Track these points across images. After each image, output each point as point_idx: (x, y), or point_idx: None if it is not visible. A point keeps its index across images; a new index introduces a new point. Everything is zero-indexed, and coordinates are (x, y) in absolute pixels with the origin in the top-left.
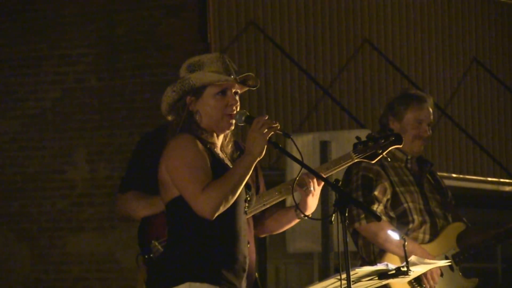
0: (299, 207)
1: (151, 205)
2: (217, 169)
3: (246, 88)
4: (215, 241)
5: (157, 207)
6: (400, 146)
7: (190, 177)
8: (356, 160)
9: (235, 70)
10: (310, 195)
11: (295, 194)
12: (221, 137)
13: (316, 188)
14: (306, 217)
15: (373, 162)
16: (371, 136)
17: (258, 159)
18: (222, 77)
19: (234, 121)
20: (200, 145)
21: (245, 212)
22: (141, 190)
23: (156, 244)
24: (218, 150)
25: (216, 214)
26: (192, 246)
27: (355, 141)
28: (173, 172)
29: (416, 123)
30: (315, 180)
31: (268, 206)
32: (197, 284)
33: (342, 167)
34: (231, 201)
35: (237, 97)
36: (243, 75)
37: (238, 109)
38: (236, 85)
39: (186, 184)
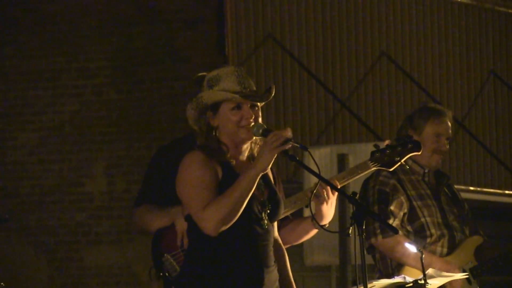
0: (315, 217)
1: (163, 217)
2: (230, 184)
3: (266, 100)
4: (227, 256)
5: (169, 219)
6: (419, 153)
7: (193, 195)
8: (373, 169)
9: (249, 85)
10: (325, 203)
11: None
12: (244, 151)
13: (330, 197)
14: (322, 227)
15: (391, 169)
16: (389, 145)
17: (262, 174)
18: (228, 95)
19: (251, 132)
20: (210, 161)
21: (263, 226)
22: (155, 203)
23: (169, 257)
24: (237, 165)
25: (219, 230)
26: (206, 261)
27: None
28: (178, 188)
29: (435, 137)
30: (329, 189)
31: (282, 216)
32: None
33: (359, 176)
34: (235, 216)
35: (256, 109)
36: (249, 90)
37: (258, 121)
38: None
39: (189, 201)
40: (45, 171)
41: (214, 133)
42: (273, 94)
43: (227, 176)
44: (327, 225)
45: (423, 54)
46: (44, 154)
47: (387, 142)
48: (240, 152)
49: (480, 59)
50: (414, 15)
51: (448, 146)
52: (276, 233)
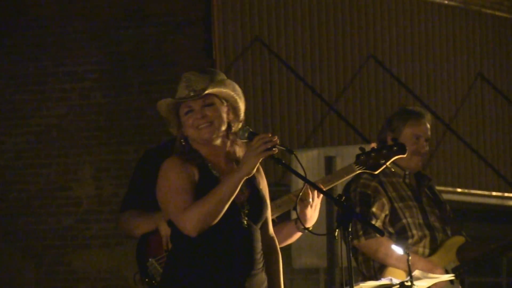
0: (298, 221)
1: (147, 222)
2: (209, 187)
3: (224, 94)
4: (207, 261)
5: (153, 224)
6: (404, 156)
7: (172, 199)
8: (358, 172)
9: (197, 86)
10: (309, 206)
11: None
12: (219, 151)
13: (315, 200)
14: (306, 230)
15: (376, 172)
16: (374, 148)
17: (246, 177)
18: (162, 103)
19: (209, 131)
20: (186, 167)
21: (243, 226)
22: (140, 208)
23: (154, 262)
24: (215, 166)
25: (199, 231)
26: (186, 266)
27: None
28: (158, 195)
29: (414, 139)
30: (315, 192)
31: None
32: None
33: (344, 179)
34: (216, 218)
35: (212, 107)
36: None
37: (215, 120)
38: (197, 99)
39: (168, 206)
40: (33, 175)
41: (184, 141)
42: (208, 91)
43: (204, 179)
44: (311, 228)
45: (411, 57)
46: (32, 158)
47: (372, 145)
48: (215, 153)
49: (467, 62)
50: (402, 18)
51: (427, 148)
52: (272, 233)
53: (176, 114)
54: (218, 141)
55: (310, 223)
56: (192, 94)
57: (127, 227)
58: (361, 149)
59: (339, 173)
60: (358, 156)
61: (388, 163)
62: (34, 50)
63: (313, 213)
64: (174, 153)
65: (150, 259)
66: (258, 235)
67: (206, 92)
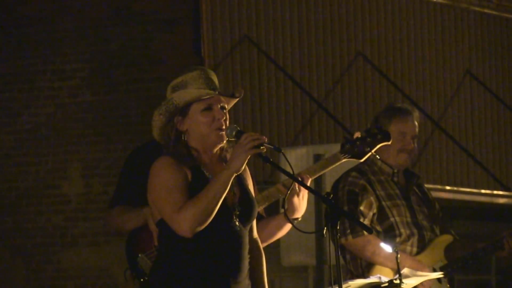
0: (287, 211)
1: (136, 218)
2: (201, 188)
3: (234, 102)
4: (200, 260)
5: (142, 219)
6: (389, 143)
7: (166, 198)
8: (343, 160)
9: (216, 86)
10: (296, 196)
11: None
12: (214, 154)
13: (302, 190)
14: (294, 220)
15: (362, 160)
16: (359, 136)
17: (235, 174)
18: (203, 91)
19: (224, 134)
20: (179, 166)
21: (235, 229)
22: (129, 204)
23: (144, 257)
24: (208, 168)
25: (195, 231)
26: (174, 269)
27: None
28: (150, 195)
29: (400, 136)
30: (301, 194)
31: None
32: None
33: (329, 168)
34: (210, 217)
35: (225, 111)
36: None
37: (227, 123)
38: (222, 99)
39: (162, 205)
40: (22, 173)
41: (183, 138)
42: (242, 94)
43: (197, 179)
44: (300, 219)
45: (399, 54)
46: (20, 156)
47: (357, 134)
48: (210, 155)
49: (456, 59)
50: (390, 15)
51: (415, 145)
52: (255, 235)
53: (175, 112)
54: (218, 147)
55: (298, 214)
56: (212, 91)
57: (116, 223)
58: (346, 138)
59: (324, 162)
60: (343, 145)
61: (373, 151)
62: (22, 49)
63: (300, 204)
64: (166, 153)
65: (140, 255)
66: (247, 240)
67: (241, 95)
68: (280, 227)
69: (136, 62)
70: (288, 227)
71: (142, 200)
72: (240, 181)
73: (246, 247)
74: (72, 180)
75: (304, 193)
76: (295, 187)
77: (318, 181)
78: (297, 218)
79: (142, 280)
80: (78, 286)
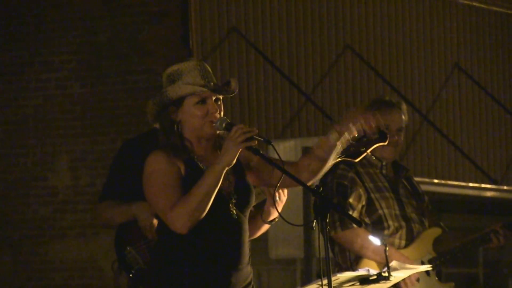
0: (264, 213)
1: (124, 213)
2: (196, 180)
3: (233, 93)
4: (194, 256)
5: (131, 214)
6: (385, 143)
7: (159, 195)
8: (338, 159)
9: (211, 79)
10: (276, 204)
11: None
12: (208, 145)
13: (282, 199)
14: (272, 222)
15: (357, 160)
16: (355, 136)
17: (227, 168)
18: (196, 88)
19: (215, 127)
20: (173, 161)
21: (233, 217)
22: (119, 198)
23: (131, 250)
24: (202, 159)
25: (189, 228)
26: (173, 261)
27: None
28: (144, 189)
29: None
30: (284, 191)
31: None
32: None
33: None
34: (203, 212)
35: (219, 103)
36: (213, 84)
37: (221, 115)
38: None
39: (156, 202)
40: (9, 165)
41: (176, 128)
42: (237, 88)
43: (191, 173)
44: (277, 219)
45: (387, 47)
46: (8, 148)
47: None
48: (203, 147)
49: (444, 52)
50: (378, 8)
51: (400, 138)
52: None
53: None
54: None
55: (275, 215)
56: (209, 85)
57: (105, 217)
58: None
59: None
60: None
61: (368, 151)
62: (10, 40)
63: (283, 199)
64: (159, 146)
65: (128, 248)
66: (246, 227)
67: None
68: (259, 228)
69: (125, 54)
70: (266, 227)
71: (131, 194)
72: (234, 167)
73: (246, 233)
74: (60, 172)
75: (283, 201)
76: (276, 197)
77: None
78: (273, 220)
79: (130, 275)
80: (66, 278)
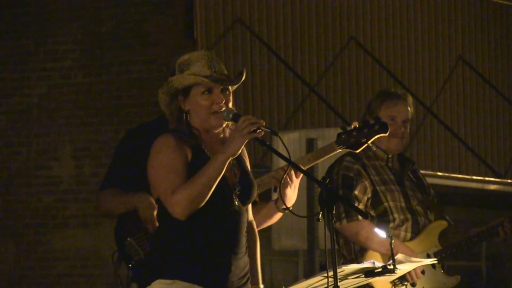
0: (278, 200)
1: (125, 203)
2: (201, 167)
3: (237, 84)
4: (195, 242)
5: (131, 205)
6: (386, 134)
7: (162, 179)
8: (338, 150)
9: (219, 68)
10: (288, 187)
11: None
12: (215, 134)
13: (294, 180)
14: (287, 210)
15: (358, 151)
16: (356, 127)
17: (232, 159)
18: (198, 78)
19: (221, 118)
20: (181, 145)
21: (234, 208)
22: (120, 187)
23: (131, 241)
24: (209, 147)
25: (188, 214)
26: (174, 246)
27: None
28: (149, 171)
29: (390, 120)
30: (292, 172)
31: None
32: (184, 283)
33: (324, 158)
34: (203, 200)
35: (227, 93)
36: (217, 74)
37: (228, 106)
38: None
39: (158, 185)
40: (13, 154)
41: (185, 117)
42: (243, 78)
43: (198, 159)
44: (292, 208)
45: (392, 40)
46: (12, 137)
47: (354, 123)
48: (211, 135)
49: (449, 45)
50: (383, 0)
51: (406, 130)
52: (250, 217)
53: (176, 90)
54: (220, 128)
55: (289, 204)
56: (216, 74)
57: (105, 206)
58: (343, 128)
59: (319, 152)
60: (339, 135)
61: (369, 142)
62: (14, 29)
63: (292, 193)
64: (169, 131)
65: (128, 239)
66: (245, 219)
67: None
68: (271, 216)
69: (129, 44)
70: (278, 215)
71: (134, 183)
72: (240, 162)
73: (245, 225)
74: (63, 161)
75: (296, 183)
76: (287, 178)
77: (310, 168)
78: (288, 208)
79: (130, 266)
80: (68, 267)
